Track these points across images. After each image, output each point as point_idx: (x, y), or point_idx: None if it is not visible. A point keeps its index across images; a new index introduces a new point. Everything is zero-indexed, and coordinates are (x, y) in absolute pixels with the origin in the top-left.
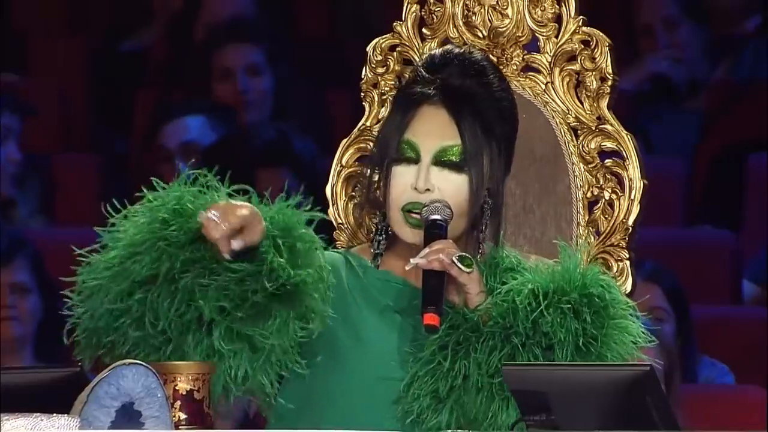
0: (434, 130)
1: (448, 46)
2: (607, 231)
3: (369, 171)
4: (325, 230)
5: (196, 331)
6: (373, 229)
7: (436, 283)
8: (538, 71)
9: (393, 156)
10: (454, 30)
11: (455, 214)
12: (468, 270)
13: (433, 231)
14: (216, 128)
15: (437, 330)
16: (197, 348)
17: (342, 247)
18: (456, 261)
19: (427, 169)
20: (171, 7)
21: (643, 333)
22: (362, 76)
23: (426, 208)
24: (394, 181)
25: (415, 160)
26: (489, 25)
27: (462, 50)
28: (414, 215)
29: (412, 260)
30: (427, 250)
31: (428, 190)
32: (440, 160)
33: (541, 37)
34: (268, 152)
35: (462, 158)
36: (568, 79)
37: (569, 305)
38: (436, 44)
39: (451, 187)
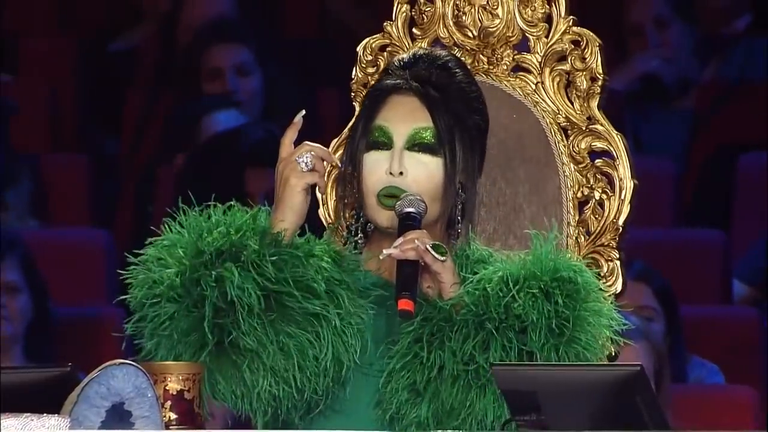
0: (406, 115)
1: (415, 49)
2: (597, 231)
3: (343, 168)
4: (316, 231)
5: None
6: (345, 233)
7: (410, 270)
8: (529, 71)
9: (365, 143)
10: (444, 30)
11: (429, 198)
12: (442, 258)
13: (407, 223)
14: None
15: (412, 316)
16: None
17: None
18: (430, 249)
19: (401, 153)
20: (160, 7)
21: (616, 317)
22: (352, 76)
23: (400, 201)
24: (367, 169)
25: (388, 146)
26: (479, 25)
27: (428, 50)
28: (389, 199)
29: (385, 251)
30: (400, 240)
31: (401, 173)
32: (413, 144)
33: (531, 37)
34: (257, 152)
35: (435, 141)
36: (558, 79)
37: (540, 288)
38: (426, 44)
39: (424, 171)
